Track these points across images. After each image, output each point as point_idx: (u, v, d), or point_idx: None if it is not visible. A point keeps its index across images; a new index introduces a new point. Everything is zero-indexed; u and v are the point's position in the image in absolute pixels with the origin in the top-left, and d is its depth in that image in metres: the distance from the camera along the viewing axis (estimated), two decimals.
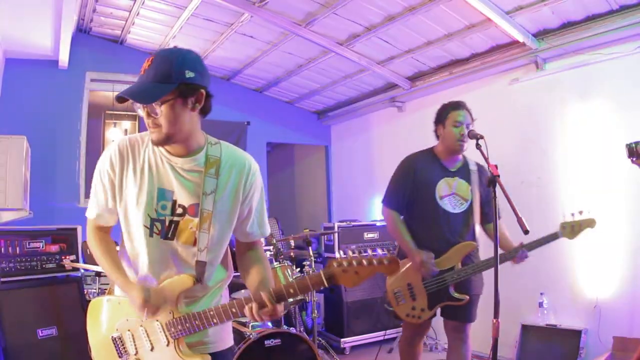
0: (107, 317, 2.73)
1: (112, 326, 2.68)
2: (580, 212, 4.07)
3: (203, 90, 2.46)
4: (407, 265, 4.41)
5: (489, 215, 4.42)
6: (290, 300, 5.14)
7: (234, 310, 2.49)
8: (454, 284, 4.29)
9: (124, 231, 2.63)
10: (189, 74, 2.38)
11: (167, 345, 2.54)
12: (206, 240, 2.55)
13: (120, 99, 2.36)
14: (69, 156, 8.26)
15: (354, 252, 2.16)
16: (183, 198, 2.54)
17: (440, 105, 4.63)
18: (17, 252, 5.24)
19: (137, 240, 2.58)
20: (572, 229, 4.11)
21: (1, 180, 5.59)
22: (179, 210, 2.54)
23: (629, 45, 5.64)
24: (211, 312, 2.49)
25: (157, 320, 2.55)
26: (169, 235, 2.55)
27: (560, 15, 5.94)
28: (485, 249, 4.38)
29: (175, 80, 2.35)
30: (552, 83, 6.45)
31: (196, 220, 2.55)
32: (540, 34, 6.34)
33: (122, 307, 2.66)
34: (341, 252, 2.03)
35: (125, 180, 2.54)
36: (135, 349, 2.60)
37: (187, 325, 2.50)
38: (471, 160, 4.64)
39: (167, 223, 2.53)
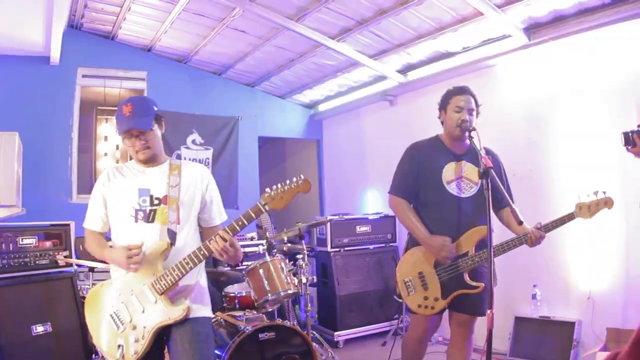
0: (103, 299, 3.44)
1: (109, 305, 3.38)
2: (596, 193, 3.93)
3: (162, 118, 3.58)
4: (417, 254, 4.30)
5: (502, 201, 4.23)
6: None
7: (202, 252, 3.24)
8: (468, 271, 4.14)
9: (114, 227, 3.51)
10: (155, 108, 3.51)
11: (156, 302, 3.25)
12: (174, 216, 3.39)
13: (128, 131, 3.35)
14: (61, 152, 8.28)
15: (276, 185, 3.18)
16: (157, 192, 3.45)
17: (445, 91, 4.49)
18: (10, 248, 5.23)
19: (126, 228, 3.41)
20: (588, 209, 3.95)
21: None
22: (156, 202, 3.42)
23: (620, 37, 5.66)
24: (185, 260, 3.24)
25: (144, 284, 3.28)
26: (150, 219, 3.39)
27: (552, 9, 5.95)
28: (501, 233, 4.23)
29: (152, 113, 3.44)
30: (544, 75, 6.47)
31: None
32: (532, 28, 6.36)
33: (114, 285, 3.43)
34: (267, 189, 2.86)
35: (112, 190, 3.48)
36: (130, 316, 3.28)
37: (169, 278, 3.23)
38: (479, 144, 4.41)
39: (148, 211, 3.40)
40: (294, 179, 3.18)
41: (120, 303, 3.32)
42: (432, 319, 4.36)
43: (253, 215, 3.16)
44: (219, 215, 3.67)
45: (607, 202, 3.96)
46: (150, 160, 3.50)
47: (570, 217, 4.00)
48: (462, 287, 4.15)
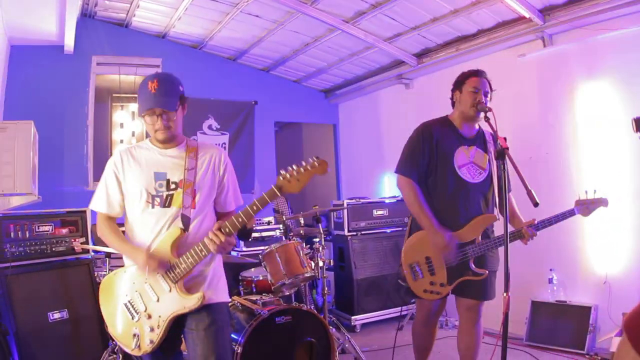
0: (117, 287, 3.38)
1: (123, 294, 3.33)
2: (595, 191, 4.03)
3: (187, 99, 3.46)
4: (425, 237, 4.24)
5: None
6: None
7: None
8: (473, 258, 4.14)
9: (129, 211, 3.38)
10: (181, 88, 3.41)
11: (170, 291, 3.20)
12: (189, 200, 3.30)
13: (151, 109, 3.24)
14: (76, 140, 8.31)
15: (291, 167, 3.02)
16: (174, 176, 3.34)
17: (460, 73, 4.44)
18: (27, 236, 5.26)
19: (141, 214, 3.30)
20: (586, 207, 4.04)
21: (9, 166, 5.59)
22: (172, 186, 3.32)
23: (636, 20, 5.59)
24: (199, 247, 3.16)
25: (158, 273, 3.20)
26: (167, 204, 3.28)
27: None
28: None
29: (177, 93, 3.34)
30: (559, 58, 6.42)
31: None
32: (547, 10, 6.29)
33: (127, 274, 3.35)
34: (282, 171, 3.00)
35: (127, 174, 3.36)
36: (145, 305, 3.23)
37: (183, 266, 3.17)
38: (487, 132, 4.40)
39: (164, 197, 3.29)
40: (310, 160, 2.98)
41: (135, 292, 3.26)
42: (436, 301, 4.38)
43: (268, 199, 3.06)
44: (234, 199, 3.58)
45: (603, 202, 4.10)
46: (168, 141, 3.39)
47: (570, 213, 4.09)
48: (467, 274, 4.16)
